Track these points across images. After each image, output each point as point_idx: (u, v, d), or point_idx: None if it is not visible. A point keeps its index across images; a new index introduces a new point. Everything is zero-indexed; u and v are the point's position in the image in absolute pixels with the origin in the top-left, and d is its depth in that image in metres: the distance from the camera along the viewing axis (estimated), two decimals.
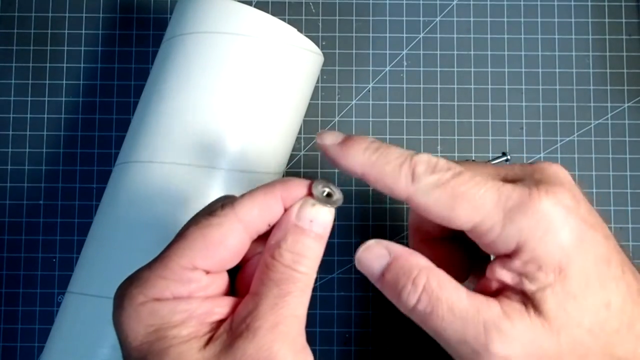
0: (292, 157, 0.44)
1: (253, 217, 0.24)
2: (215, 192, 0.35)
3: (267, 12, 0.37)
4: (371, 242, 0.26)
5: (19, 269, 0.43)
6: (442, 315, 0.24)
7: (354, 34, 0.45)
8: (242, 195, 0.25)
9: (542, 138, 0.44)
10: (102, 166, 0.44)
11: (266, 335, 0.22)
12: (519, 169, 0.26)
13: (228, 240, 0.24)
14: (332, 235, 0.43)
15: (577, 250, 0.23)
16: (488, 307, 0.24)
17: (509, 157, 0.44)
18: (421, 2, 0.45)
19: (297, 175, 0.44)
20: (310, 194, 0.25)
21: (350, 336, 0.43)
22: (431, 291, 0.24)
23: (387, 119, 0.44)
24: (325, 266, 0.43)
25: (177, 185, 0.34)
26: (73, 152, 0.44)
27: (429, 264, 0.25)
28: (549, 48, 0.45)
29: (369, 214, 0.44)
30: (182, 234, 0.24)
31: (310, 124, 0.44)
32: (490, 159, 0.44)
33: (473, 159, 0.44)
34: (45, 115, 0.45)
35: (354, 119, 0.44)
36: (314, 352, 0.43)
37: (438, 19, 0.45)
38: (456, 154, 0.44)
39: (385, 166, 0.24)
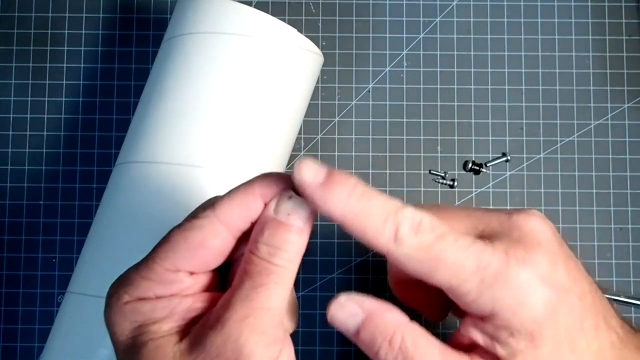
0: (292, 157, 0.44)
1: (233, 217, 0.24)
2: (215, 193, 0.35)
3: (267, 12, 0.37)
4: (342, 299, 0.25)
5: (19, 269, 0.43)
6: None
7: (354, 34, 0.45)
8: (222, 196, 0.25)
9: (542, 138, 0.44)
10: (102, 166, 0.44)
11: (234, 326, 0.23)
12: (497, 222, 0.26)
13: (209, 242, 0.24)
14: (331, 235, 0.43)
15: (549, 320, 0.24)
16: None
17: (509, 157, 0.44)
18: (421, 2, 0.45)
19: None
20: (288, 187, 0.25)
21: None
22: (406, 350, 0.24)
23: (387, 119, 0.44)
24: (325, 266, 0.43)
25: (177, 185, 0.34)
26: (73, 152, 0.44)
27: (403, 319, 0.25)
28: (549, 48, 0.45)
29: None
30: (166, 237, 0.25)
31: (310, 124, 0.44)
32: (490, 159, 0.44)
33: (473, 159, 0.44)
34: (45, 115, 0.45)
35: (354, 119, 0.44)
36: (314, 352, 0.43)
37: (438, 19, 0.45)
38: (456, 154, 0.44)
39: (367, 219, 0.23)
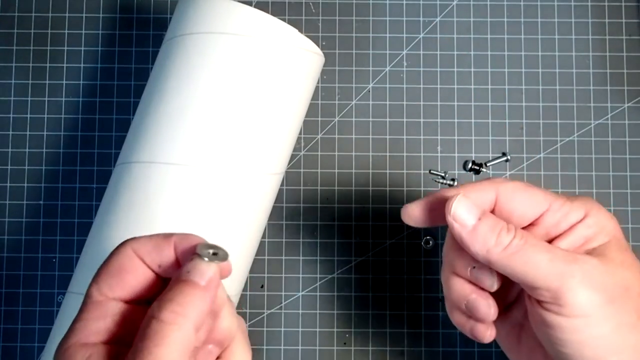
0: (292, 157, 0.44)
1: (147, 250, 0.25)
2: (216, 193, 0.35)
3: (267, 12, 0.37)
4: (460, 197, 0.30)
5: (19, 269, 0.43)
6: (532, 251, 0.28)
7: (354, 34, 0.45)
8: (141, 235, 0.26)
9: (542, 138, 0.44)
10: (102, 166, 0.44)
11: None
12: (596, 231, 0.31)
13: (126, 265, 0.25)
14: (332, 235, 0.43)
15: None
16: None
17: (509, 157, 0.44)
18: (421, 2, 0.45)
19: (297, 175, 0.44)
20: (196, 253, 0.25)
21: (350, 336, 0.43)
22: (522, 232, 0.29)
23: (387, 119, 0.44)
24: (325, 266, 0.43)
25: (177, 185, 0.34)
26: (73, 152, 0.44)
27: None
28: (549, 48, 0.45)
29: (369, 213, 0.44)
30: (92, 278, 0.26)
31: (310, 124, 0.44)
32: (490, 158, 0.44)
33: (473, 159, 0.44)
34: (45, 115, 0.45)
35: (354, 119, 0.44)
36: (313, 352, 0.43)
37: (438, 19, 0.45)
38: (456, 154, 0.44)
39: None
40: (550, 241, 0.30)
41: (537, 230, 0.31)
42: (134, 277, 0.25)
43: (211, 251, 0.25)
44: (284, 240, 0.43)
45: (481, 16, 0.45)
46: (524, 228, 0.31)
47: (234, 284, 0.37)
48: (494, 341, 0.32)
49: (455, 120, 0.44)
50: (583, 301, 0.28)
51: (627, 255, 0.30)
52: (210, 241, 0.26)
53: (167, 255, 0.25)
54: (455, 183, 0.44)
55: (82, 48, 0.45)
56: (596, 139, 0.44)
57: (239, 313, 0.31)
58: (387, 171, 0.44)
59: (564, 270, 0.28)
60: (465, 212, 0.29)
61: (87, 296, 0.25)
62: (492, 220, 0.29)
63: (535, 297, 0.29)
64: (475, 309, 0.30)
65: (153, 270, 0.25)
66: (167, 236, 0.26)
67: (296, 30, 0.36)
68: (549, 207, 0.30)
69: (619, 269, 0.29)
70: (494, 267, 0.29)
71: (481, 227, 0.29)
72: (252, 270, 0.42)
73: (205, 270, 0.24)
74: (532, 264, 0.28)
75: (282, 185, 0.43)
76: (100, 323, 0.24)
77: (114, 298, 0.25)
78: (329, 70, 0.45)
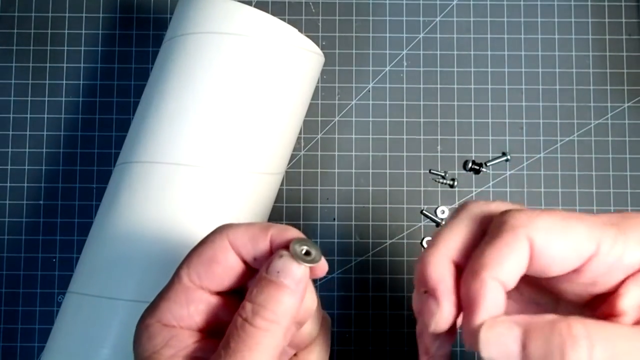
0: (292, 157, 0.44)
1: (242, 241, 0.25)
2: (216, 193, 0.35)
3: (267, 12, 0.37)
4: (486, 326, 0.21)
5: (19, 269, 0.43)
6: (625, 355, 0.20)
7: (354, 34, 0.45)
8: (239, 223, 0.26)
9: (542, 138, 0.44)
10: (102, 166, 0.44)
11: None
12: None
13: (219, 257, 0.25)
14: (331, 235, 0.43)
15: None
16: None
17: (509, 157, 0.44)
18: (421, 2, 0.45)
19: (297, 175, 0.44)
20: (287, 248, 0.24)
21: (350, 336, 0.43)
22: (595, 330, 0.21)
23: (387, 119, 0.44)
24: None
25: (178, 185, 0.34)
26: (73, 152, 0.44)
27: (557, 315, 0.21)
28: (549, 48, 0.45)
29: (369, 213, 0.44)
30: (185, 257, 0.25)
31: (310, 124, 0.44)
32: (490, 158, 0.44)
33: (473, 159, 0.44)
34: (45, 115, 0.45)
35: (354, 119, 0.44)
36: None
37: (438, 19, 0.45)
38: (456, 154, 0.44)
39: None
40: (593, 301, 0.23)
41: (581, 278, 0.23)
42: (224, 269, 0.25)
43: (304, 249, 0.24)
44: None
45: (481, 16, 0.45)
46: (562, 277, 0.23)
47: None
48: None
49: (455, 120, 0.44)
50: None
51: None
52: (306, 237, 0.25)
53: (262, 248, 0.25)
54: (456, 183, 0.44)
55: (82, 48, 0.45)
56: (596, 139, 0.44)
57: None
58: (387, 171, 0.44)
59: None
60: (502, 349, 0.21)
61: (177, 277, 0.25)
62: (542, 338, 0.20)
63: None
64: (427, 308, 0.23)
65: (245, 262, 0.25)
66: (265, 228, 0.25)
67: (296, 30, 0.36)
68: (597, 249, 0.22)
69: None
70: None
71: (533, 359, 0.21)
72: None
73: (296, 272, 0.23)
74: None
75: (282, 185, 0.43)
76: (184, 309, 0.24)
77: (201, 287, 0.25)
78: (329, 70, 0.45)
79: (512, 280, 0.22)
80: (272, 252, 0.24)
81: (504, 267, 0.22)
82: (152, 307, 0.25)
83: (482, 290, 0.21)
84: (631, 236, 0.22)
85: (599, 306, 0.23)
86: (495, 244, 0.22)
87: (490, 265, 0.22)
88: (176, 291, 0.25)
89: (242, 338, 0.23)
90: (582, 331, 0.20)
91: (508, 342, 0.21)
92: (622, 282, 0.22)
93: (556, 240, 0.22)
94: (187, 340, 0.24)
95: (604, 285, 0.22)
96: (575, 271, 0.22)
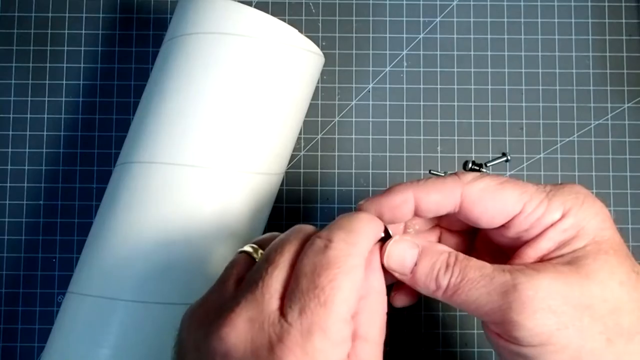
0: (292, 157, 0.44)
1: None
2: (216, 193, 0.35)
3: (267, 12, 0.37)
4: (396, 238, 0.28)
5: (19, 269, 0.43)
6: (470, 287, 0.26)
7: (354, 34, 0.45)
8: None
9: (542, 138, 0.44)
10: (102, 166, 0.44)
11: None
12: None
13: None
14: None
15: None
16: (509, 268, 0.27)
17: (509, 157, 0.44)
18: (421, 2, 0.45)
19: (297, 175, 0.44)
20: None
21: None
22: (464, 267, 0.27)
23: (387, 120, 0.44)
24: None
25: (177, 186, 0.34)
26: (73, 152, 0.44)
27: (448, 248, 0.28)
28: (549, 48, 0.45)
29: None
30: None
31: (310, 124, 0.44)
32: (490, 159, 0.44)
33: (473, 159, 0.44)
34: (45, 115, 0.45)
35: (354, 119, 0.44)
36: None
37: (438, 19, 0.45)
38: (456, 154, 0.44)
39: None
40: (520, 247, 0.28)
41: (508, 232, 0.28)
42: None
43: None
44: None
45: (481, 16, 0.45)
46: (495, 230, 0.29)
47: None
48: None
49: (455, 121, 0.44)
50: (529, 332, 0.25)
51: (607, 261, 0.26)
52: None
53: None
54: None
55: (82, 48, 0.45)
56: (596, 139, 0.44)
57: None
58: (387, 171, 0.44)
59: (502, 302, 0.25)
60: (400, 260, 0.28)
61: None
62: (429, 261, 0.27)
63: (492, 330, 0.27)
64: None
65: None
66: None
67: (296, 30, 0.36)
68: (522, 209, 0.27)
69: (582, 282, 0.25)
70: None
71: (419, 274, 0.27)
72: None
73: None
74: (473, 302, 0.26)
75: (282, 185, 0.43)
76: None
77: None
78: (329, 70, 0.45)
79: (439, 206, 0.28)
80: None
81: (431, 196, 0.28)
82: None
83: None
84: (554, 201, 0.27)
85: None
86: (435, 184, 0.29)
87: (424, 188, 0.28)
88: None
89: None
90: (452, 260, 0.27)
91: (407, 256, 0.28)
92: (540, 234, 0.28)
93: (487, 200, 0.27)
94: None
95: (526, 238, 0.28)
96: (504, 226, 0.28)
